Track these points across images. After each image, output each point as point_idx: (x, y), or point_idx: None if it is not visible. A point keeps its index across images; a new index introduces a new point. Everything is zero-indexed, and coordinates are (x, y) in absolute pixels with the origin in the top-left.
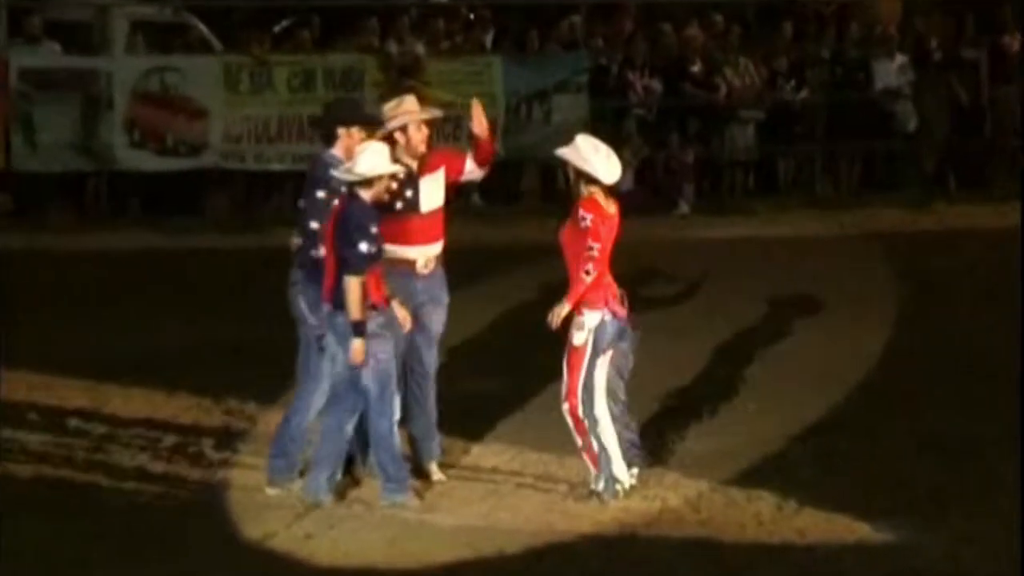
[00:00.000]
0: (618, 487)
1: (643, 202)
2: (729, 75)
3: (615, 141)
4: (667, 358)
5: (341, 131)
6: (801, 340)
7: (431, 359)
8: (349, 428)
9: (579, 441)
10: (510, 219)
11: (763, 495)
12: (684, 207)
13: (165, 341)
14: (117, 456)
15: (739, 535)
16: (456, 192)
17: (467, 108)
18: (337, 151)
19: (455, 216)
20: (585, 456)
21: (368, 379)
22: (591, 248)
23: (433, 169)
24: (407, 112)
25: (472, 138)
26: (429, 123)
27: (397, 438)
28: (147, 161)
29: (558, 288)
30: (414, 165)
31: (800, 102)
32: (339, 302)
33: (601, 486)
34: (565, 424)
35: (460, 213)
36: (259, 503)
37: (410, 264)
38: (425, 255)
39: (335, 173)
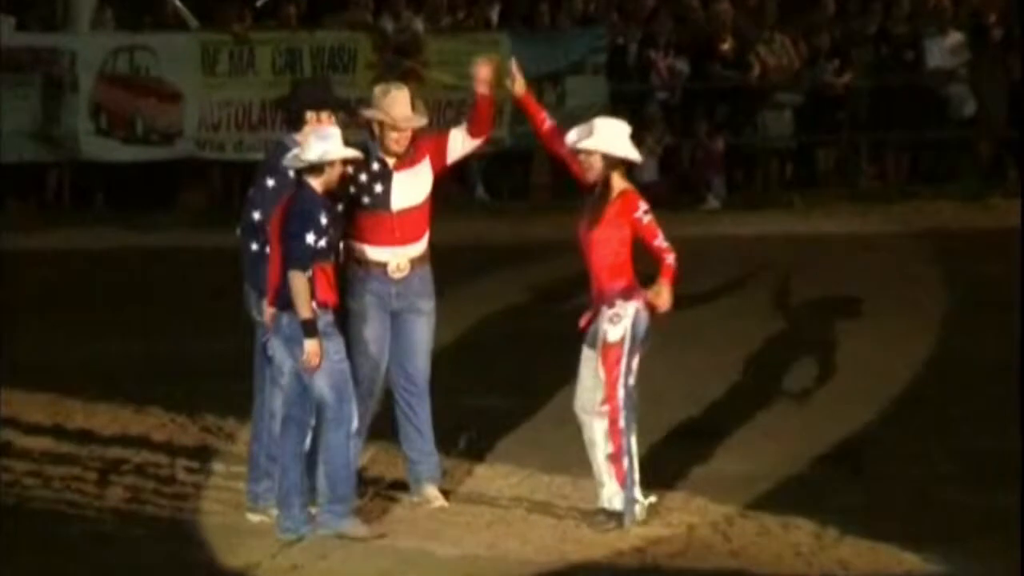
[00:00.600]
0: (637, 508)
1: (667, 195)
2: (763, 54)
3: (636, 128)
4: (693, 368)
5: (310, 115)
6: (841, 349)
7: (418, 372)
8: (306, 444)
9: (609, 448)
10: (518, 215)
11: (800, 522)
12: (713, 201)
13: (133, 350)
14: (82, 479)
15: (774, 567)
16: (458, 184)
17: (471, 92)
18: (302, 138)
19: (457, 211)
20: (612, 468)
21: (323, 384)
22: (662, 239)
23: (412, 163)
24: (385, 114)
25: (472, 105)
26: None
27: (353, 453)
28: (114, 150)
29: (569, 290)
30: (390, 159)
31: (842, 85)
32: (284, 302)
33: (621, 505)
34: (578, 442)
35: (463, 208)
36: (241, 530)
37: (381, 267)
38: (397, 257)
39: (284, 160)
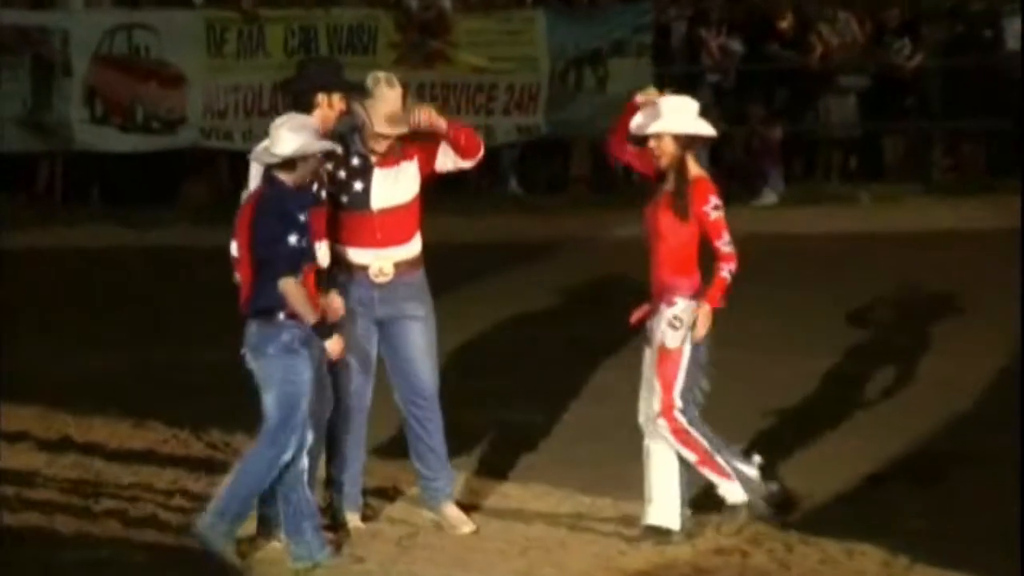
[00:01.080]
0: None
1: (719, 188)
2: (826, 33)
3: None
4: (750, 377)
5: (321, 98)
6: (909, 357)
7: (422, 383)
8: (303, 463)
9: (692, 455)
10: (554, 210)
11: (866, 549)
12: (770, 195)
13: (132, 359)
14: (77, 499)
15: None
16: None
17: (503, 75)
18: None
19: (488, 206)
20: (708, 471)
21: (270, 402)
22: (727, 242)
23: (397, 160)
24: (367, 112)
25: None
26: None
27: (266, 483)
28: (111, 140)
29: (607, 293)
30: (372, 154)
31: (913, 67)
32: (255, 310)
33: (742, 496)
34: (615, 458)
35: (494, 203)
36: (251, 557)
37: (362, 270)
38: (379, 260)
39: (251, 154)
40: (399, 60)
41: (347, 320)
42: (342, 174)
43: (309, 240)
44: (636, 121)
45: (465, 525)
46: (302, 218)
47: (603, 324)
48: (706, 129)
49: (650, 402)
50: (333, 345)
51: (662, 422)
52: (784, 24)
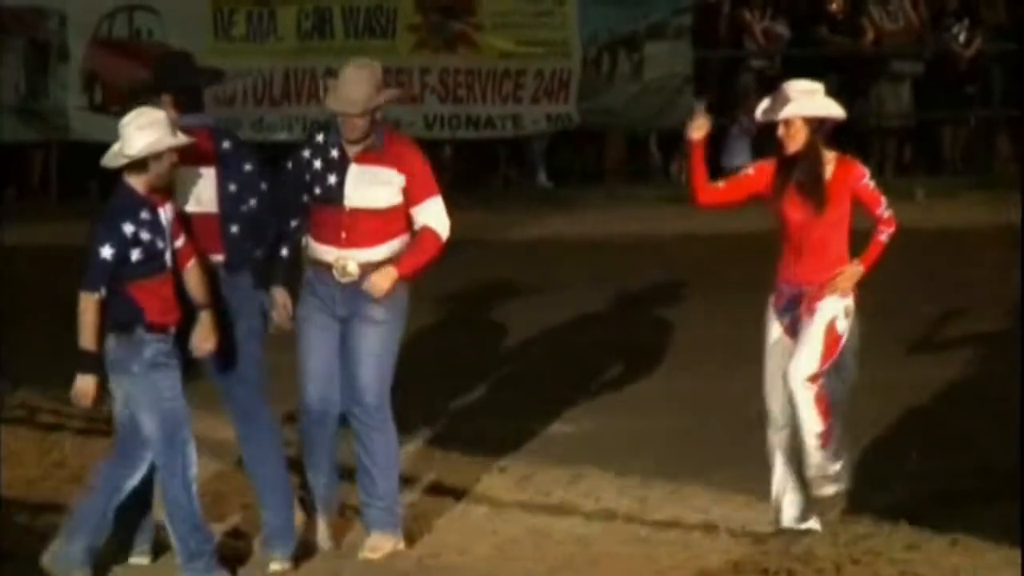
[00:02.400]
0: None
1: None
2: (878, 16)
3: (726, 102)
4: None
5: (165, 98)
6: (967, 360)
7: (361, 389)
8: (127, 485)
9: (819, 426)
10: (587, 204)
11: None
12: None
13: None
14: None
15: None
16: (517, 168)
17: (532, 60)
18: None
19: (516, 200)
20: (818, 441)
21: (150, 425)
22: (886, 207)
23: (379, 161)
24: (331, 86)
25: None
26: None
27: (196, 501)
28: (110, 129)
29: (645, 291)
30: (350, 148)
31: (972, 52)
32: (114, 322)
33: (836, 470)
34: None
35: (523, 196)
36: None
37: (326, 268)
38: (344, 260)
39: (103, 159)
40: (420, 44)
41: (308, 320)
42: (318, 165)
43: (147, 252)
44: (761, 109)
45: (373, 553)
46: (128, 229)
47: (639, 326)
48: (836, 110)
49: (802, 363)
50: (79, 383)
51: (809, 385)
52: (834, 6)
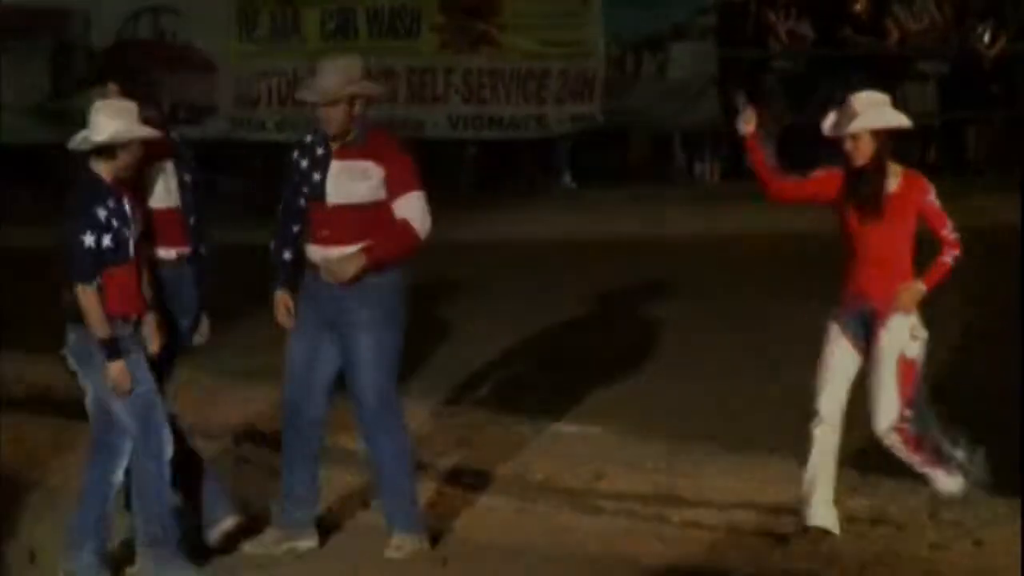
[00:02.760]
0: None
1: None
2: (902, 16)
3: (751, 102)
4: None
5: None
6: (996, 367)
7: (361, 394)
8: (115, 479)
9: (919, 462)
10: (612, 206)
11: None
12: None
13: None
14: None
15: None
16: (541, 168)
17: (557, 60)
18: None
19: (539, 201)
20: (931, 471)
21: (123, 413)
22: (952, 229)
23: (360, 155)
24: (337, 82)
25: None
26: (352, 101)
27: (167, 487)
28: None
29: (669, 294)
30: (333, 144)
31: (997, 51)
32: (70, 314)
33: (959, 485)
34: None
35: (547, 197)
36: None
37: (313, 267)
38: (328, 258)
39: (70, 143)
40: (444, 45)
41: (297, 321)
42: (305, 164)
43: (117, 238)
44: (827, 123)
45: (396, 551)
46: (102, 214)
47: (665, 326)
48: (902, 121)
49: (885, 410)
50: (112, 370)
51: (896, 436)
52: (858, 7)
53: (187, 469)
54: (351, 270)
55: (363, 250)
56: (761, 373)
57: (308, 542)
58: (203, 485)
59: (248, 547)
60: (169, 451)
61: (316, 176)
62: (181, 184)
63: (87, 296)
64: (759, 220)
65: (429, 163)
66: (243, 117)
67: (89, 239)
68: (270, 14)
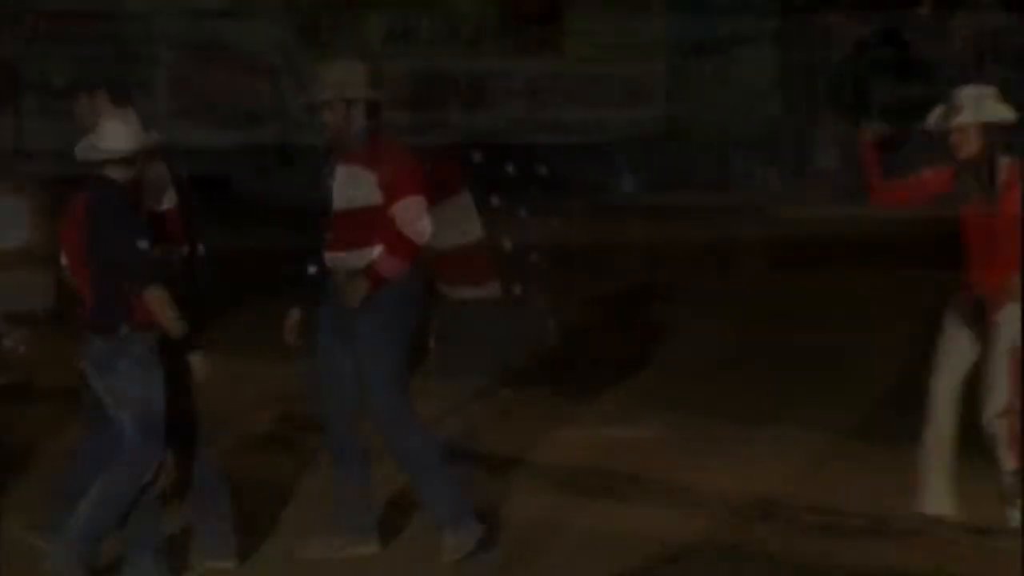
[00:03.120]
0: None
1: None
2: (967, 19)
3: (813, 105)
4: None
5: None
6: None
7: (373, 402)
8: (143, 482)
9: (1010, 462)
10: (672, 211)
11: None
12: None
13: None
14: None
15: None
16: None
17: (617, 65)
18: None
19: (601, 207)
20: (1013, 472)
21: (127, 418)
22: None
23: (359, 161)
24: (332, 85)
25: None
26: (348, 105)
27: (128, 506)
28: (192, 135)
29: (728, 298)
30: (339, 150)
31: None
32: (98, 324)
33: None
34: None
35: (607, 203)
36: None
37: (327, 274)
38: (332, 263)
39: (77, 150)
40: (505, 49)
41: (320, 323)
42: (325, 171)
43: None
44: (931, 118)
45: (450, 554)
46: (139, 220)
47: (720, 333)
48: (1007, 114)
49: (994, 399)
50: (197, 362)
51: (1003, 423)
52: (923, 10)
53: (194, 484)
54: (356, 298)
55: (364, 272)
56: (823, 373)
57: (368, 547)
58: (207, 510)
59: (306, 552)
60: (149, 475)
61: (328, 182)
62: (177, 185)
63: (159, 298)
64: (816, 224)
65: (489, 168)
66: (302, 121)
67: (142, 243)
68: (331, 19)
